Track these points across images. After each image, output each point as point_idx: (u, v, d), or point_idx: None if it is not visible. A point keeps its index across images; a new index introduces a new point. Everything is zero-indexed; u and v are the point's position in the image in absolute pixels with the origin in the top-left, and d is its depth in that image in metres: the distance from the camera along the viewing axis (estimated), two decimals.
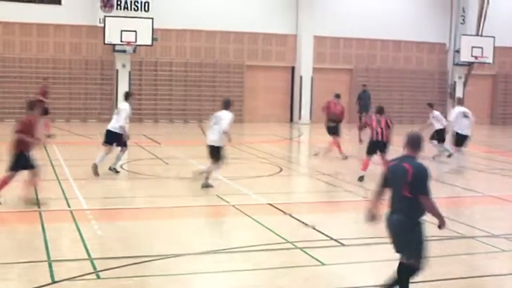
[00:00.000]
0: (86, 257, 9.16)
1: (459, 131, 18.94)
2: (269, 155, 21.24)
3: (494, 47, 35.04)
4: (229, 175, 16.67)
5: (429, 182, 7.35)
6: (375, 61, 35.44)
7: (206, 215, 12.50)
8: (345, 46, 34.85)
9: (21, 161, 12.36)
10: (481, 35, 35.38)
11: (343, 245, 10.22)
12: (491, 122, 37.19)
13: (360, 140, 17.64)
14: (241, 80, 33.16)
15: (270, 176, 17.09)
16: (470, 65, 35.76)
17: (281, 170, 18.06)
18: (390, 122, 16.59)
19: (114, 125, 16.44)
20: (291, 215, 12.13)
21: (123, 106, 16.64)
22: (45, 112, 22.92)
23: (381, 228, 11.28)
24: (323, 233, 10.78)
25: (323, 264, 9.15)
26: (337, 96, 21.73)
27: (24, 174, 12.46)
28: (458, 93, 35.59)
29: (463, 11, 35.91)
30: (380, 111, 16.76)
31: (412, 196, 7.30)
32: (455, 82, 36.15)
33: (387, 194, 7.67)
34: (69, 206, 12.41)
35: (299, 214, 12.28)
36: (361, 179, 16.19)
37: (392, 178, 7.54)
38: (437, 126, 20.58)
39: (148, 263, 8.98)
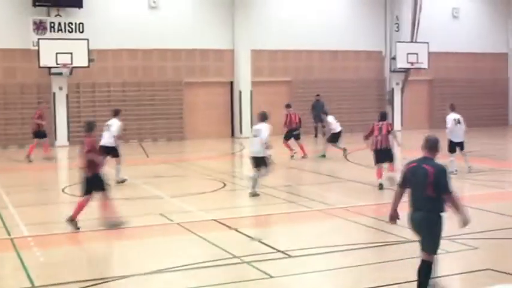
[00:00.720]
0: (30, 285, 8.93)
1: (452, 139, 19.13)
2: (212, 170, 21.17)
3: (429, 53, 35.65)
4: (173, 192, 16.55)
5: (450, 180, 7.80)
6: (312, 72, 35.64)
7: (151, 234, 12.32)
8: (283, 58, 34.98)
9: (95, 183, 12.41)
10: (416, 41, 35.95)
11: (290, 256, 10.19)
12: (430, 126, 37.71)
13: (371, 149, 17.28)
14: (181, 97, 32.99)
15: (213, 192, 16.99)
16: (406, 71, 36.27)
17: (224, 185, 17.99)
18: (390, 127, 17.24)
19: (107, 140, 17.77)
20: (236, 230, 12.08)
21: (112, 122, 18.02)
22: (43, 135, 24.68)
23: (326, 239, 11.38)
24: (269, 246, 10.74)
25: (271, 277, 9.11)
26: (289, 106, 24.09)
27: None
28: (396, 99, 36.11)
29: (397, 19, 36.46)
30: (382, 117, 17.40)
31: (435, 195, 7.73)
32: (393, 89, 36.61)
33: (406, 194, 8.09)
34: (9, 234, 12.11)
35: (245, 228, 12.25)
36: (380, 186, 16.54)
37: (414, 179, 7.94)
38: None
39: (96, 286, 8.81)
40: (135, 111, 32.02)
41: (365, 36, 36.32)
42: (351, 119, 35.44)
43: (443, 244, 10.65)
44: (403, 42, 35.78)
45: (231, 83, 34.24)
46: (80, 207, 12.40)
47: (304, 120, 28.85)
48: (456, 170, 18.71)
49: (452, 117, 19.32)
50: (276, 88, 34.78)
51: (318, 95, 33.55)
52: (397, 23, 36.43)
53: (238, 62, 33.75)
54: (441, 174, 7.78)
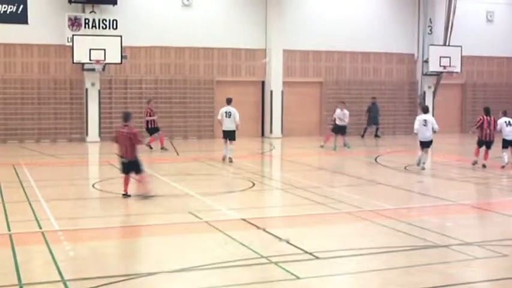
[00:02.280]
0: (59, 278, 9.03)
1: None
2: (241, 169, 21.20)
3: (462, 57, 35.40)
4: (202, 191, 16.61)
5: None
6: (344, 73, 35.58)
7: (179, 232, 12.37)
8: (314, 59, 34.95)
9: (135, 165, 15.35)
10: (449, 45, 35.70)
11: (317, 258, 10.18)
12: (461, 131, 37.47)
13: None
14: (212, 95, 33.11)
15: (242, 191, 17.04)
16: (439, 74, 36.03)
17: (253, 185, 18.00)
18: (495, 122, 21.63)
19: None
20: (264, 230, 12.09)
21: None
22: (156, 130, 26.81)
23: (354, 241, 11.36)
24: (297, 247, 10.74)
25: (298, 278, 9.11)
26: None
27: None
28: (428, 102, 35.86)
29: (430, 22, 36.22)
30: (487, 112, 21.65)
31: None
32: (424, 92, 36.39)
33: None
34: (40, 228, 12.26)
35: (273, 228, 12.25)
36: (475, 163, 21.61)
37: None
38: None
39: (123, 282, 8.88)
40: (167, 108, 32.21)
41: (397, 38, 36.18)
42: (382, 121, 35.36)
43: (471, 250, 10.68)
44: (436, 45, 35.55)
45: (263, 83, 34.29)
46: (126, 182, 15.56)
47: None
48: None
49: (503, 120, 21.87)
50: (307, 88, 34.80)
51: (373, 98, 34.30)
52: (430, 26, 36.20)
53: (270, 62, 33.77)
54: None
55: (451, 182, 19.27)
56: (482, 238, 11.84)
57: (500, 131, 21.86)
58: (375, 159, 24.13)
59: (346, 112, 28.40)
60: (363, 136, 33.92)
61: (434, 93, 36.56)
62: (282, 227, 12.90)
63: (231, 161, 22.66)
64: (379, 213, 13.81)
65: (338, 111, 28.36)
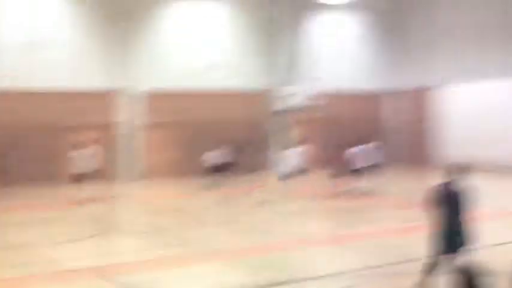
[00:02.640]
0: None
1: None
2: (91, 215, 20.31)
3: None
4: (45, 241, 15.68)
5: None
6: (203, 113, 35.08)
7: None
8: (175, 100, 34.25)
9: None
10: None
11: None
12: None
13: None
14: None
15: (91, 238, 16.15)
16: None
17: (104, 231, 17.19)
18: None
19: None
20: (114, 277, 11.42)
21: None
22: None
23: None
24: None
25: None
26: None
27: None
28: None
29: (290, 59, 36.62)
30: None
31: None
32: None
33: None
34: None
35: (123, 275, 11.59)
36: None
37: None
38: None
39: None
40: None
41: (254, 76, 36.29)
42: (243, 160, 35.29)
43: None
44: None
45: (119, 124, 33.22)
46: None
47: None
48: None
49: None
50: (167, 129, 34.07)
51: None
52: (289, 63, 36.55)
53: (128, 103, 33.00)
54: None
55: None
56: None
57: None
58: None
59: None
60: None
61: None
62: (135, 272, 12.21)
63: None
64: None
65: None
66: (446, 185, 9.15)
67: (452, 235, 8.98)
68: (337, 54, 39.04)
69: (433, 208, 9.17)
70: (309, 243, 14.69)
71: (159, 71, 33.90)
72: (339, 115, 38.61)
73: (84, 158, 22.75)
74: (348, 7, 38.93)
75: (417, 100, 39.12)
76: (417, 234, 15.42)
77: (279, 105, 35.73)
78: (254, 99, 36.40)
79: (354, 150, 22.74)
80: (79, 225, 18.66)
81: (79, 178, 22.64)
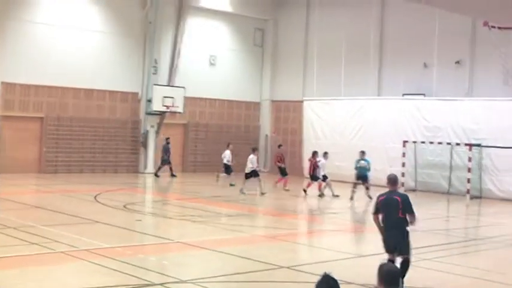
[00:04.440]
0: None
1: None
2: None
3: (185, 97, 36.22)
4: None
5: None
6: (67, 109, 34.55)
7: None
8: (36, 94, 33.57)
9: None
10: (173, 86, 36.36)
11: None
12: (182, 170, 38.03)
13: None
14: None
15: None
16: (162, 114, 36.40)
17: None
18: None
19: None
20: None
21: None
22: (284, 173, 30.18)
23: (72, 280, 10.78)
24: None
25: None
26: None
27: None
28: (151, 141, 36.05)
29: (155, 62, 36.55)
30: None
31: (403, 216, 10.95)
32: (147, 131, 36.45)
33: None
34: None
35: None
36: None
37: (386, 207, 11.09)
38: None
39: None
40: None
41: (122, 76, 35.98)
42: (104, 159, 34.99)
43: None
44: (160, 85, 35.98)
45: None
46: None
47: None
48: None
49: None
50: (26, 124, 33.25)
51: (168, 138, 35.17)
52: (155, 66, 36.51)
53: None
54: (407, 201, 11.04)
55: (170, 221, 19.33)
56: (197, 275, 11.87)
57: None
58: (95, 197, 23.59)
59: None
60: (156, 175, 34.22)
61: (157, 132, 36.78)
62: None
63: None
64: (94, 252, 13.37)
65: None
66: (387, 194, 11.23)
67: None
68: (212, 61, 39.46)
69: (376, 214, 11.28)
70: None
71: (23, 65, 32.97)
72: (210, 120, 39.15)
73: None
74: (223, 15, 39.46)
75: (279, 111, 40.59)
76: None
77: (149, 108, 35.80)
78: (125, 100, 36.24)
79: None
80: None
81: None
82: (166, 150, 34.83)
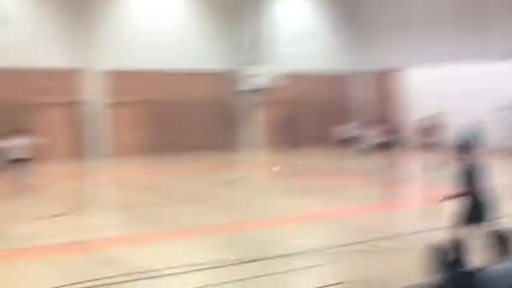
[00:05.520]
0: None
1: None
2: (63, 193, 20.33)
3: (281, 74, 36.07)
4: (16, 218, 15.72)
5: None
6: (166, 92, 35.10)
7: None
8: (137, 79, 34.08)
9: None
10: (271, 62, 36.26)
11: (149, 278, 9.76)
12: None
13: None
14: (28, 117, 31.58)
15: (64, 215, 16.14)
16: (260, 91, 35.97)
17: (78, 208, 17.19)
18: None
19: None
20: (92, 252, 11.51)
21: None
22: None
23: (186, 256, 10.99)
24: (125, 267, 10.26)
25: None
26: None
27: None
28: (248, 119, 36.11)
29: (253, 39, 36.63)
30: None
31: None
32: (245, 108, 36.54)
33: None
34: None
35: (100, 250, 11.68)
36: None
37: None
38: None
39: None
40: None
41: (216, 58, 36.33)
42: (204, 138, 35.42)
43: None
44: (256, 63, 35.83)
45: (83, 102, 33.07)
46: None
47: None
48: None
49: None
50: (130, 108, 34.01)
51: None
52: (252, 43, 36.56)
53: (91, 82, 32.89)
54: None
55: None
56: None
57: None
58: (202, 176, 23.80)
59: None
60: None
61: (255, 110, 36.81)
62: (111, 247, 12.29)
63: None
64: (206, 230, 13.56)
65: None
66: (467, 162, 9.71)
67: (477, 206, 9.61)
68: (299, 36, 39.12)
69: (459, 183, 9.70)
70: (280, 222, 14.79)
71: (124, 51, 33.77)
72: (301, 96, 38.90)
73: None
74: None
75: (380, 82, 39.71)
76: (384, 212, 15.87)
77: (242, 86, 35.89)
78: (218, 80, 36.53)
79: None
80: (51, 202, 18.69)
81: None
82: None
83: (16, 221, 15.40)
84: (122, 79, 33.62)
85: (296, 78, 37.63)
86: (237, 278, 9.61)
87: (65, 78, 32.43)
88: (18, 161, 20.22)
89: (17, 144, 20.45)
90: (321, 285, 9.17)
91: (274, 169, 25.15)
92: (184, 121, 35.28)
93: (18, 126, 22.37)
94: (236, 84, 36.42)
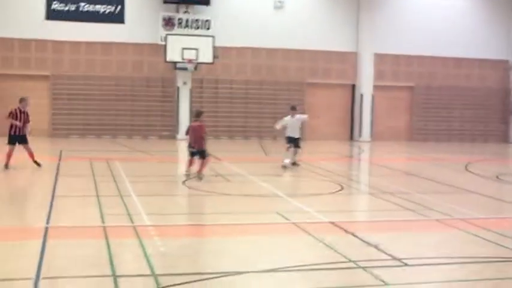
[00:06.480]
0: (150, 273, 9.22)
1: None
2: (329, 172, 21.15)
3: None
4: (290, 192, 16.66)
5: None
6: (435, 78, 35.03)
7: (268, 232, 12.44)
8: (406, 64, 34.57)
9: (201, 153, 18.35)
10: None
11: (406, 265, 10.06)
12: None
13: None
14: (302, 97, 33.15)
15: (331, 194, 16.99)
16: None
17: (342, 188, 17.94)
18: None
19: None
20: (353, 234, 12.03)
21: None
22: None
23: (443, 249, 11.17)
24: (386, 253, 10.65)
25: (386, 284, 9.02)
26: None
27: None
28: None
29: None
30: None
31: None
32: None
33: None
34: (132, 222, 12.54)
35: (361, 233, 12.16)
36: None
37: None
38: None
39: (211, 280, 9.00)
40: (256, 109, 32.47)
41: (490, 44, 35.38)
42: (473, 128, 34.78)
43: None
44: None
45: (353, 86, 34.15)
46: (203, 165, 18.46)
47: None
48: None
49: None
50: (397, 93, 34.44)
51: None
52: None
53: (361, 65, 33.63)
54: None
55: None
56: None
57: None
58: (465, 167, 23.67)
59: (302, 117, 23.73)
60: None
61: None
62: (371, 231, 12.79)
63: (295, 164, 22.38)
64: (468, 222, 13.54)
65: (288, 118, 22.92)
66: None
67: None
68: None
69: None
70: None
71: (397, 35, 34.07)
72: None
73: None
74: None
75: None
76: None
77: None
78: (492, 68, 35.58)
79: None
80: (322, 180, 19.66)
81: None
82: None
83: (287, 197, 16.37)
84: (388, 63, 34.06)
85: None
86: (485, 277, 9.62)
87: (341, 60, 33.60)
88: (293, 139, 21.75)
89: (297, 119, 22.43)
90: None
91: None
92: (453, 109, 34.90)
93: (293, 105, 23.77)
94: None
